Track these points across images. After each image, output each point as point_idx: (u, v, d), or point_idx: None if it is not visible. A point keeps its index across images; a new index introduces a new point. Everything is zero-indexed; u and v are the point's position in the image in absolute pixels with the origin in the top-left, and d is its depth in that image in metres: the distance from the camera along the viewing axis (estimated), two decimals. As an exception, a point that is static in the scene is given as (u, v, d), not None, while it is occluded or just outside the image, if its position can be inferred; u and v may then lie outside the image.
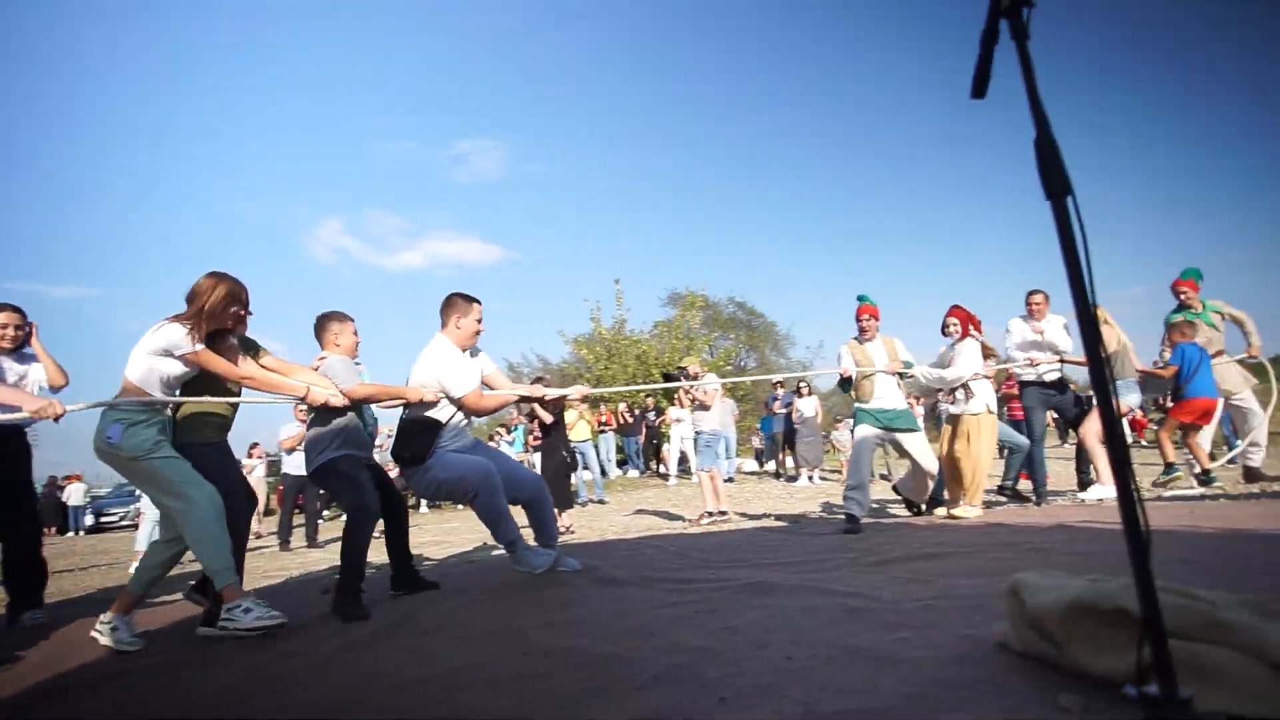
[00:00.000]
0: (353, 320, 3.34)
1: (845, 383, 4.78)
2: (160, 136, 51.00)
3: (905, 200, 45.25)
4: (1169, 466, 5.17)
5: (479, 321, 3.38)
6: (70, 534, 14.68)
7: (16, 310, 3.53)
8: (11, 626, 3.39)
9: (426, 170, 48.26)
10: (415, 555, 3.77)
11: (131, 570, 5.95)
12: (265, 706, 1.81)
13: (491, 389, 3.52)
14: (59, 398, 2.83)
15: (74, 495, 15.38)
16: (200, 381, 2.89)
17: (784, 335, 24.31)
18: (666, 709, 1.44)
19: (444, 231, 48.64)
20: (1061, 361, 5.23)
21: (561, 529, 6.71)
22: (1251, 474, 5.20)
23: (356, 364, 3.36)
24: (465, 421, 3.37)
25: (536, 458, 7.75)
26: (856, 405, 4.81)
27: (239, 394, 3.03)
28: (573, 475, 8.07)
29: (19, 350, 3.52)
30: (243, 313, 2.91)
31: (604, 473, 11.55)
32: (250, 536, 5.69)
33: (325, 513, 10.42)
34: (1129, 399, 5.09)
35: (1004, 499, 5.53)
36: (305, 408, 3.44)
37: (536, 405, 6.14)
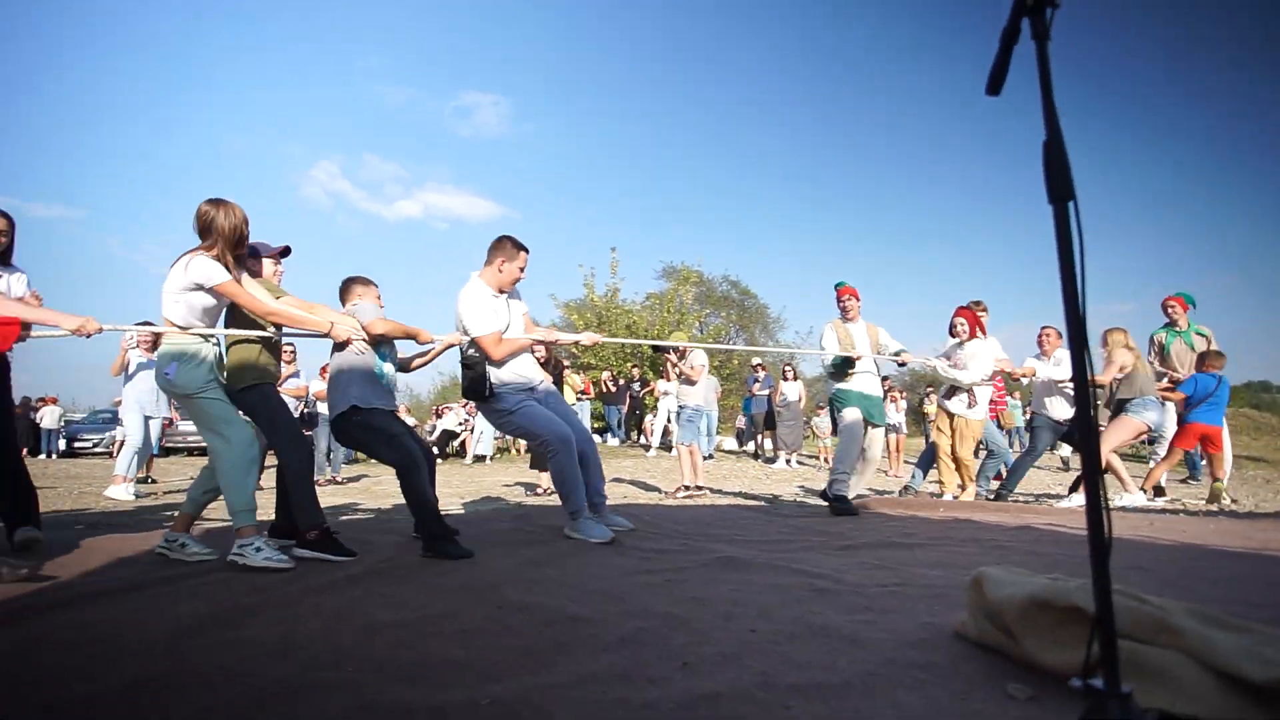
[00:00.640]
0: (376, 285, 3.42)
1: (847, 363, 4.77)
2: (144, 51, 49.52)
3: (905, 200, 45.29)
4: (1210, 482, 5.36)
5: (521, 270, 3.55)
6: (42, 456, 14.53)
7: (4, 215, 3.41)
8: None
9: (428, 119, 47.37)
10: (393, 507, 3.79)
11: (107, 493, 5.97)
12: (224, 636, 1.81)
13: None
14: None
15: (48, 418, 15.11)
16: (227, 321, 2.94)
17: (775, 318, 24.41)
18: (630, 670, 1.48)
19: (443, 185, 47.98)
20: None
21: (539, 490, 6.79)
22: (1214, 495, 5.36)
23: None
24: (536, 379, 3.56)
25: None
26: (840, 386, 4.82)
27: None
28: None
29: (5, 260, 3.42)
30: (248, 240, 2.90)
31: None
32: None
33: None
34: (1148, 416, 5.17)
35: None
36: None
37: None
